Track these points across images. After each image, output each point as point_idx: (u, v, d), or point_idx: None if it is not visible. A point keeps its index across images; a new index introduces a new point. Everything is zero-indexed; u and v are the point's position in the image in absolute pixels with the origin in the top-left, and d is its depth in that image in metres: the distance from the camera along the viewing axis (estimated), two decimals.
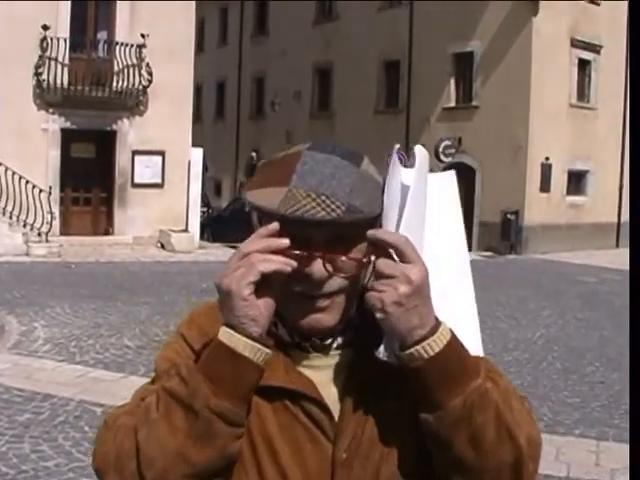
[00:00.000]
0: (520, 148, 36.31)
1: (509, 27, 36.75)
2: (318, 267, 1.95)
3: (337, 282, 2.00)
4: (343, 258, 1.97)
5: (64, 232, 31.47)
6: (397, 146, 2.02)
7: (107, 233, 33.14)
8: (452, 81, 39.81)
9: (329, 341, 2.08)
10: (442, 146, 37.12)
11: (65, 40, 30.52)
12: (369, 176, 1.98)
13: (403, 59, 42.43)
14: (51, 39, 30.11)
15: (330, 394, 2.08)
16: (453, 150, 37.20)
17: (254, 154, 49.44)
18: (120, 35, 32.05)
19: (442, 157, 36.54)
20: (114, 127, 32.60)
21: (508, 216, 36.30)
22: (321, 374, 2.09)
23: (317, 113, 49.13)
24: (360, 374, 2.07)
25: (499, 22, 37.26)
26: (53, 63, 30.19)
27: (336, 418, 2.05)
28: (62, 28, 30.78)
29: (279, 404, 2.04)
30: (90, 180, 32.87)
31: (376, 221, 1.97)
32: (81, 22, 31.67)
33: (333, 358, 2.10)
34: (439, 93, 39.89)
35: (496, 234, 36.61)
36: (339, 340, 2.11)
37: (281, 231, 1.89)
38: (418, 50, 40.94)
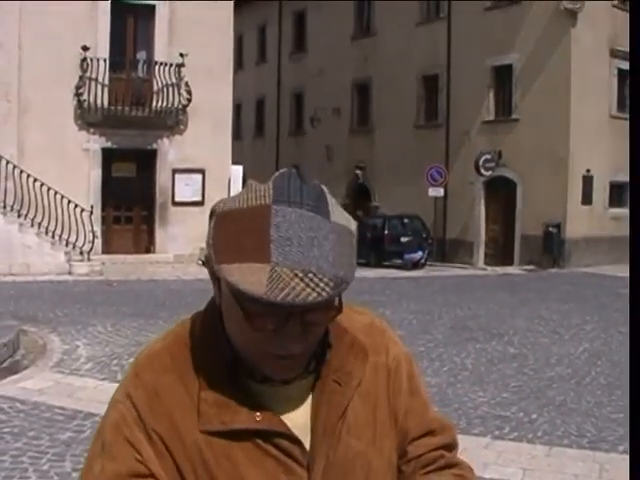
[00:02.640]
0: (561, 160, 36.09)
1: (548, 39, 36.60)
2: (294, 337, 1.91)
3: (312, 338, 1.96)
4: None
5: (106, 251, 31.68)
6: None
7: (148, 251, 33.31)
8: (491, 94, 39.68)
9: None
10: (482, 160, 37.00)
11: (105, 60, 30.81)
12: (341, 229, 1.87)
13: (442, 73, 42.36)
14: (91, 59, 30.41)
15: (297, 422, 2.04)
16: (493, 164, 37.07)
17: (359, 172, 47.82)
18: (159, 55, 32.29)
19: (482, 171, 36.43)
20: (154, 146, 32.80)
21: (550, 229, 36.06)
22: (285, 403, 2.05)
23: (356, 128, 49.10)
24: (326, 398, 2.04)
25: (538, 34, 37.10)
26: (93, 83, 30.49)
27: (306, 444, 2.02)
28: (102, 48, 31.08)
29: (248, 444, 2.00)
30: (131, 199, 33.08)
31: None
32: (120, 42, 31.96)
33: (296, 386, 2.06)
34: (478, 106, 39.75)
35: (538, 248, 36.36)
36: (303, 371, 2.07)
37: (260, 310, 1.83)
38: (457, 64, 40.86)
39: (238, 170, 33.77)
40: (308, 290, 1.75)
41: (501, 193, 38.72)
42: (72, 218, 29.05)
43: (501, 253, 38.98)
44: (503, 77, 38.87)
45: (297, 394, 2.06)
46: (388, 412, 2.14)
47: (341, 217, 1.88)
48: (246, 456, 1.99)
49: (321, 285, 1.77)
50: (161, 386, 1.95)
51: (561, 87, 35.93)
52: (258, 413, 1.99)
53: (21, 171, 28.96)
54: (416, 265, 36.32)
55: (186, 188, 32.84)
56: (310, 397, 2.07)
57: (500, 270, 35.82)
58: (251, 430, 1.98)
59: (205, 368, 1.98)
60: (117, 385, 2.12)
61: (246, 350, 1.95)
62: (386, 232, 36.64)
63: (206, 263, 1.99)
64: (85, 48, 30.36)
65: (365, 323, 2.23)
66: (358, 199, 46.31)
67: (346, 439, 2.06)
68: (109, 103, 30.98)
